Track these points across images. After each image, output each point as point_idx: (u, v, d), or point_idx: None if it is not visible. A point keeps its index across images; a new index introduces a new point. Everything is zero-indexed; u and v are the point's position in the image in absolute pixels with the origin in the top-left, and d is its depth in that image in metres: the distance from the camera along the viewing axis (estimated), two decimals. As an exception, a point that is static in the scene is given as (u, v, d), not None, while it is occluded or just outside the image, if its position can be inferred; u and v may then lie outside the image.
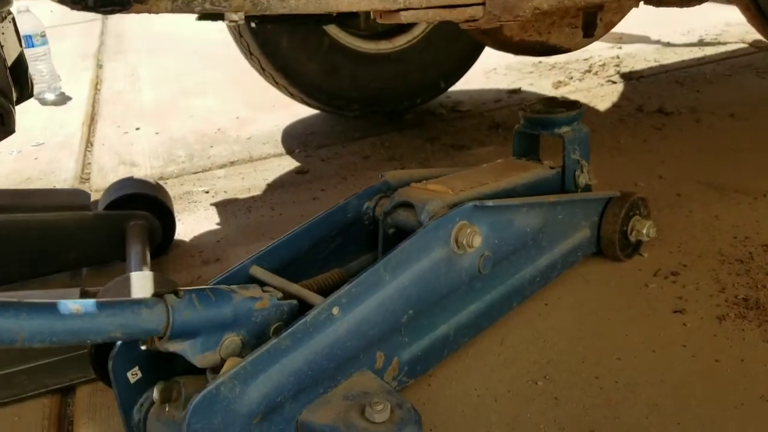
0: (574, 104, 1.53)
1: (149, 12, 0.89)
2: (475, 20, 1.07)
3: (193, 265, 1.71)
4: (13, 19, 1.36)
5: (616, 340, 1.28)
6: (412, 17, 1.04)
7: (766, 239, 1.57)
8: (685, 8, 1.29)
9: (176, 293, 0.92)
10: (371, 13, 2.32)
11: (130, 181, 1.80)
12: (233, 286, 1.00)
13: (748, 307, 1.33)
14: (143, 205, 1.71)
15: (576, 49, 1.51)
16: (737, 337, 1.26)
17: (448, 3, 1.04)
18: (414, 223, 1.19)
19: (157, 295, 0.91)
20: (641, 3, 1.47)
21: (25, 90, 1.36)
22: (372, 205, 1.33)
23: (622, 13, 1.36)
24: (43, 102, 3.59)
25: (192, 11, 0.91)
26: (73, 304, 0.84)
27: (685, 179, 1.93)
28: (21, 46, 1.35)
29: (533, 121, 1.54)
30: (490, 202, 1.22)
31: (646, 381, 1.17)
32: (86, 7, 0.79)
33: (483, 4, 1.05)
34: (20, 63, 1.34)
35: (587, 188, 1.56)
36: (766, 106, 2.50)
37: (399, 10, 1.02)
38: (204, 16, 2.25)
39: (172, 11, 0.91)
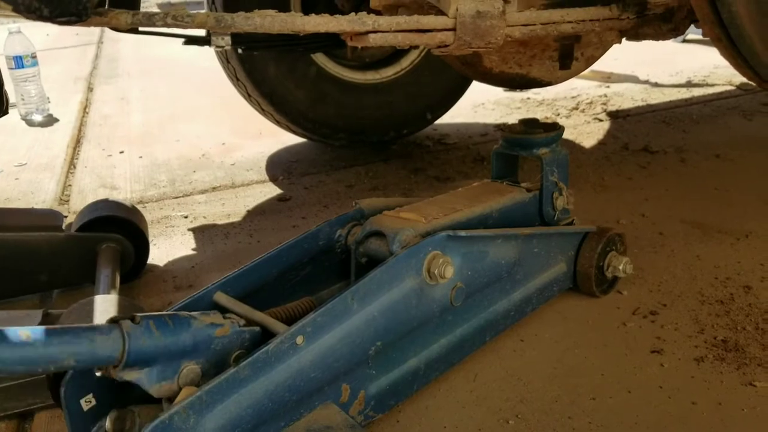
0: (553, 126, 1.51)
1: (108, 26, 0.87)
2: (446, 46, 1.06)
3: (165, 291, 1.67)
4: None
5: (591, 380, 1.25)
6: (380, 40, 1.02)
7: (747, 280, 1.55)
8: (667, 42, 1.29)
9: (133, 319, 0.88)
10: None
11: (104, 203, 1.77)
12: (194, 313, 0.97)
13: (726, 349, 1.30)
14: (117, 228, 1.68)
15: (557, 82, 1.50)
16: (715, 379, 1.23)
17: (419, 27, 1.02)
18: (386, 253, 1.16)
19: (113, 321, 0.88)
20: (625, 41, 1.47)
21: (0, 106, 1.34)
22: (344, 233, 1.30)
23: (603, 48, 1.36)
24: (30, 123, 3.57)
25: (153, 26, 0.89)
26: (23, 332, 0.80)
27: (668, 218, 1.91)
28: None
29: (512, 142, 1.52)
30: (463, 232, 1.20)
31: (621, 422, 1.14)
32: (41, 17, 0.77)
33: (453, 29, 1.03)
34: (-6, 79, 1.32)
35: (565, 212, 1.54)
36: (752, 147, 2.50)
37: (368, 32, 1.01)
38: (190, 41, 2.24)
39: (132, 25, 0.89)
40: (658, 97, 3.37)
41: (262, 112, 2.64)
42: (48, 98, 3.77)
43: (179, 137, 3.15)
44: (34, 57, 3.69)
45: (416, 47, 2.67)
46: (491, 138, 2.88)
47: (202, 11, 0.92)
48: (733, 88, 3.41)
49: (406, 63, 2.71)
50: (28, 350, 0.79)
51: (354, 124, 2.67)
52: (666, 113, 3.05)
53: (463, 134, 2.95)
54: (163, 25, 0.90)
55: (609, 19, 1.13)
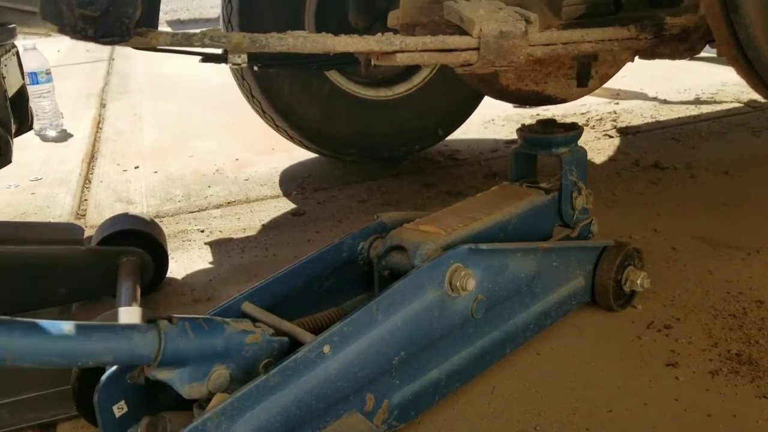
0: (572, 126, 1.53)
1: (148, 45, 0.91)
2: (469, 65, 1.09)
3: (184, 304, 1.70)
4: (17, 53, 1.37)
5: (607, 392, 1.27)
6: (407, 59, 1.05)
7: (759, 295, 1.57)
8: (678, 60, 1.31)
9: (170, 320, 0.91)
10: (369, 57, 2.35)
11: (124, 217, 1.80)
12: (227, 319, 0.99)
13: (740, 362, 1.32)
14: (136, 242, 1.71)
15: (571, 99, 1.53)
16: (730, 392, 1.25)
17: (444, 47, 1.05)
18: (408, 266, 1.19)
19: (151, 320, 0.91)
20: (636, 58, 1.50)
21: (24, 122, 1.37)
22: (367, 246, 1.33)
23: (617, 66, 1.39)
24: (45, 138, 3.61)
25: (191, 45, 0.92)
26: (65, 325, 0.84)
27: (680, 233, 1.93)
28: (23, 79, 1.36)
29: (531, 141, 1.55)
30: (485, 246, 1.22)
31: (638, 433, 1.16)
32: (86, 37, 0.81)
33: (477, 49, 1.06)
34: (21, 96, 1.35)
35: (585, 211, 1.56)
36: (761, 163, 2.52)
37: (395, 51, 1.04)
38: (207, 59, 2.28)
39: (172, 45, 0.92)
40: (667, 113, 3.40)
41: (276, 128, 2.67)
42: (62, 114, 3.82)
43: (193, 153, 3.19)
44: (48, 73, 3.74)
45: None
46: (502, 154, 2.90)
47: (237, 33, 0.95)
48: (741, 105, 3.44)
49: (418, 80, 2.75)
50: (70, 343, 0.83)
51: (366, 139, 2.70)
52: (675, 130, 3.08)
53: (474, 150, 2.98)
54: (200, 46, 0.93)
55: (627, 39, 1.16)
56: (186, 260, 1.97)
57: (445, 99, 2.78)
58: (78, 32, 0.80)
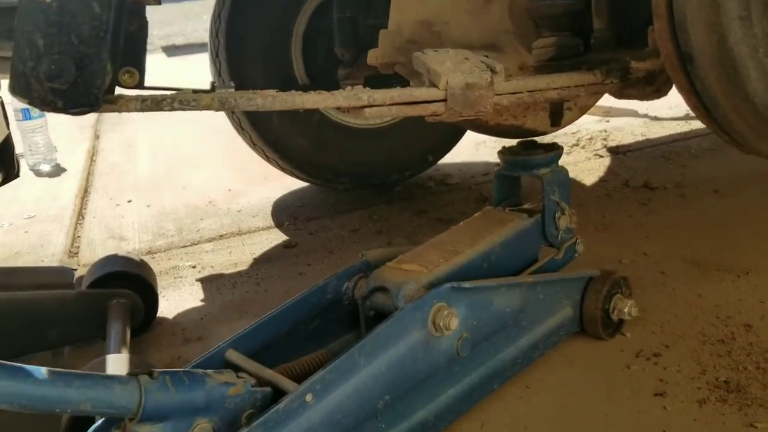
0: (552, 146, 1.55)
1: (118, 111, 0.92)
2: (438, 115, 1.10)
3: (175, 344, 1.70)
4: (2, 103, 1.39)
5: (596, 425, 1.27)
6: (376, 113, 1.07)
7: (747, 318, 1.57)
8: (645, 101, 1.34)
9: (150, 374, 0.91)
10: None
11: (114, 258, 1.81)
12: (208, 371, 1.00)
13: (728, 390, 1.32)
14: (126, 283, 1.71)
15: (552, 131, 1.55)
16: (717, 421, 1.25)
17: (411, 100, 1.07)
18: (391, 307, 1.19)
19: (132, 374, 0.91)
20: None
21: (10, 171, 1.38)
22: (351, 286, 1.33)
23: (596, 97, 1.41)
24: (38, 173, 3.62)
25: (161, 110, 0.93)
26: (46, 370, 0.85)
27: (670, 256, 1.94)
28: (7, 128, 1.38)
29: (512, 163, 1.56)
30: (467, 284, 1.23)
31: (627, 468, 1.16)
32: (56, 109, 0.82)
33: (445, 100, 1.08)
34: (6, 145, 1.36)
35: (569, 231, 1.56)
36: (750, 182, 2.53)
37: (364, 106, 1.05)
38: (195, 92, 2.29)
39: (141, 110, 0.93)
40: (657, 131, 3.41)
41: (267, 159, 2.69)
42: (55, 147, 3.83)
43: (186, 184, 3.20)
44: (41, 108, 3.76)
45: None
46: (493, 177, 2.91)
47: (207, 94, 0.97)
48: (730, 120, 3.45)
49: (406, 107, 2.76)
50: (50, 389, 0.84)
51: (357, 168, 2.72)
52: (665, 148, 3.09)
53: (465, 174, 2.99)
54: (170, 109, 0.94)
55: (594, 84, 1.18)
56: (177, 298, 1.97)
57: (434, 126, 2.78)
58: (47, 104, 0.81)
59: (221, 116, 2.92)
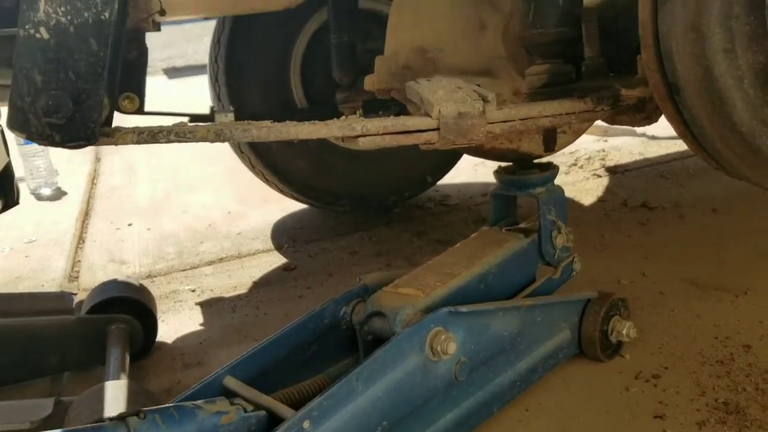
0: (547, 165, 1.55)
1: (115, 144, 0.93)
2: (431, 143, 1.11)
3: (174, 369, 1.70)
4: (2, 131, 1.40)
5: (596, 448, 1.27)
6: (369, 143, 1.08)
7: (746, 339, 1.57)
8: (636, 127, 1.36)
9: (138, 414, 0.91)
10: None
11: (113, 283, 1.81)
12: (199, 402, 1.00)
13: (728, 411, 1.32)
14: (126, 309, 1.72)
15: (548, 155, 1.56)
16: (717, 444, 1.24)
17: (404, 129, 1.08)
18: (389, 332, 1.20)
19: (120, 417, 0.91)
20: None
21: (10, 199, 1.39)
22: (349, 311, 1.34)
23: (590, 122, 1.42)
24: (39, 197, 3.64)
25: (157, 142, 0.94)
26: None
27: (668, 276, 1.94)
28: (8, 156, 1.39)
29: (508, 183, 1.57)
30: (464, 308, 1.23)
31: (627, 492, 1.15)
32: (53, 143, 0.83)
33: (437, 129, 1.09)
34: (6, 173, 1.37)
35: (565, 249, 1.56)
36: (747, 201, 2.53)
37: (357, 136, 1.06)
38: (194, 119, 2.32)
39: (138, 143, 0.94)
40: (655, 150, 3.42)
41: (266, 181, 2.70)
42: (56, 171, 3.85)
43: (186, 207, 3.21)
44: (42, 133, 3.78)
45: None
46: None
47: (202, 125, 0.98)
48: (727, 138, 3.46)
49: (405, 129, 2.78)
50: None
51: (356, 190, 2.73)
52: (663, 167, 3.10)
53: (465, 194, 3.00)
54: (166, 141, 0.95)
55: (585, 112, 1.19)
56: (177, 322, 1.97)
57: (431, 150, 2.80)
58: (45, 139, 0.82)
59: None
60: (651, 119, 1.22)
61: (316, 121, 1.09)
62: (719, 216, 2.41)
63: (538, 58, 1.27)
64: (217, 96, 2.58)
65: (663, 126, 3.80)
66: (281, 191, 2.72)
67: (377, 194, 2.76)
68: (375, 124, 1.07)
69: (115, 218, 3.16)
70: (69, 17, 0.82)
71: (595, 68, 1.24)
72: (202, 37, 10.49)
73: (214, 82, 2.57)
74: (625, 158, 3.34)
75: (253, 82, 2.54)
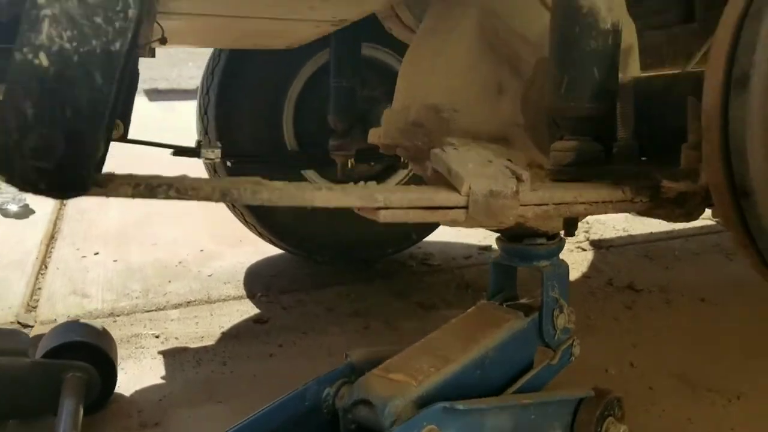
0: (554, 236, 1.46)
1: (106, 196, 0.83)
2: (457, 222, 1.03)
3: (130, 428, 1.57)
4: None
5: None
6: (390, 217, 0.98)
7: (742, 453, 1.49)
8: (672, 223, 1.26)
9: None
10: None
11: (75, 326, 1.69)
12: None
13: None
14: (85, 355, 1.59)
15: (555, 232, 1.47)
16: None
17: (430, 204, 0.99)
18: (375, 423, 1.09)
19: None
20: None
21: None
22: (333, 392, 1.23)
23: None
24: (5, 214, 3.48)
25: (155, 197, 0.84)
26: None
27: (657, 369, 1.86)
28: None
29: (510, 252, 1.47)
30: (460, 405, 1.13)
31: None
32: (37, 190, 0.72)
33: (465, 207, 1.00)
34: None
35: (566, 331, 1.47)
36: (735, 291, 2.49)
37: (379, 208, 0.97)
38: (179, 152, 2.22)
39: (133, 197, 0.84)
40: (639, 227, 3.39)
41: (245, 223, 2.60)
42: (25, 186, 3.69)
43: (156, 240, 3.09)
44: (15, 146, 3.64)
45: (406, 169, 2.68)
46: (475, 261, 2.85)
47: (206, 181, 0.88)
48: (713, 222, 3.44)
49: (393, 182, 2.71)
50: None
51: (339, 241, 2.64)
52: (648, 246, 3.06)
53: (447, 255, 2.92)
54: (165, 198, 0.85)
55: (622, 202, 1.11)
56: (137, 371, 1.84)
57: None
58: (28, 184, 0.72)
59: (199, 171, 2.83)
60: (691, 216, 1.13)
61: (333, 186, 0.99)
62: (707, 306, 2.35)
63: (566, 133, 1.19)
64: (204, 128, 2.49)
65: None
66: (260, 234, 2.62)
67: (361, 247, 2.67)
68: (398, 196, 0.97)
69: (81, 244, 3.02)
70: (74, 44, 0.72)
71: (627, 151, 1.16)
72: (186, 62, 10.42)
73: (203, 115, 2.48)
74: (609, 233, 3.30)
75: (244, 119, 2.45)
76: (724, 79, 0.95)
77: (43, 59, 0.71)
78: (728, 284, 2.56)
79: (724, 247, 3.04)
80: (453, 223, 1.03)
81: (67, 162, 0.74)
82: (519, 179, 1.03)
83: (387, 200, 0.97)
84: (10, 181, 0.71)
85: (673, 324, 2.20)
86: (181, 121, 3.60)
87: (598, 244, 3.09)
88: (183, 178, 0.88)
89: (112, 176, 0.83)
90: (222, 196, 0.87)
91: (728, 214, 0.99)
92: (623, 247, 3.08)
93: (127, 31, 0.75)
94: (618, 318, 2.25)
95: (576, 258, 2.90)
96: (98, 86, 0.75)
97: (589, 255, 2.96)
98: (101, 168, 0.84)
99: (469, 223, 1.02)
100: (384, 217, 0.98)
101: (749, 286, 2.53)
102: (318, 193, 0.96)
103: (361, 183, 1.02)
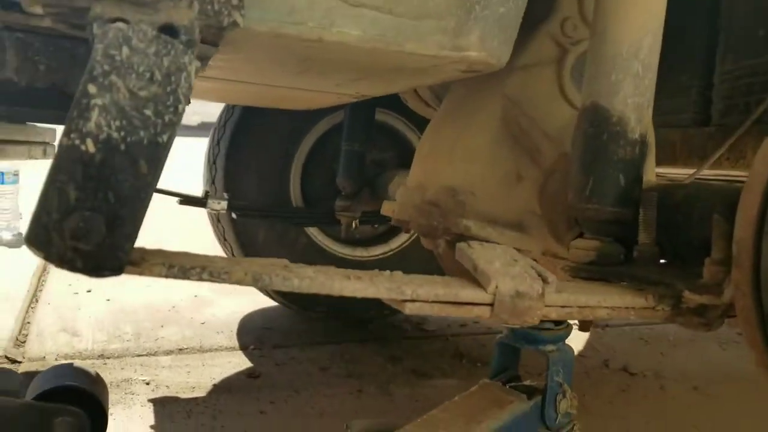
0: (561, 321, 1.45)
1: (141, 275, 0.82)
2: (481, 318, 1.03)
3: (116, 481, 1.53)
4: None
5: None
6: (417, 309, 0.98)
7: None
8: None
9: None
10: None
11: (68, 369, 1.65)
12: None
13: None
14: (77, 401, 1.55)
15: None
16: None
17: (456, 300, 0.99)
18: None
19: None
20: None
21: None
22: (332, 464, 1.21)
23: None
24: (-1, 241, 3.45)
25: (188, 279, 0.84)
26: None
27: (652, 459, 1.85)
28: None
29: (518, 334, 1.46)
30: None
31: None
32: (74, 268, 0.72)
33: (491, 305, 1.00)
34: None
35: (567, 416, 1.45)
36: (728, 381, 2.48)
37: (405, 300, 0.97)
38: (186, 201, 2.22)
39: (167, 277, 0.84)
40: (634, 308, 3.38)
41: (243, 273, 2.58)
42: (21, 215, 3.67)
43: (151, 281, 3.05)
44: (16, 174, 3.64)
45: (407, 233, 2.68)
46: (470, 330, 2.83)
47: (239, 266, 0.88)
48: (706, 309, 3.45)
49: (395, 245, 2.71)
50: None
51: (336, 298, 2.60)
52: (644, 329, 3.06)
53: (443, 321, 2.91)
54: (198, 279, 0.84)
55: (644, 309, 1.12)
56: (125, 419, 1.80)
57: (420, 267, 2.72)
58: (66, 263, 0.71)
59: (198, 215, 2.82)
60: (710, 326, 1.13)
61: (362, 275, 0.99)
62: (701, 396, 2.34)
63: (587, 232, 1.20)
64: (212, 177, 2.49)
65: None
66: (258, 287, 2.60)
67: (358, 306, 2.63)
68: (425, 290, 0.97)
69: (74, 280, 2.98)
70: (122, 133, 0.72)
71: (648, 256, 1.17)
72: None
73: (212, 164, 2.49)
74: (604, 311, 3.29)
75: (252, 172, 2.46)
76: (758, 215, 0.97)
77: (90, 145, 0.71)
78: (720, 374, 2.55)
79: (717, 335, 3.04)
80: (477, 318, 1.03)
81: (105, 244, 0.74)
82: (545, 281, 1.03)
83: (414, 294, 0.97)
84: (48, 258, 0.71)
85: (667, 410, 2.19)
86: (181, 156, 3.60)
87: (595, 323, 3.08)
88: (215, 260, 0.88)
89: (145, 255, 0.83)
90: (254, 281, 0.87)
91: (754, 336, 0.99)
92: (620, 327, 3.07)
93: (176, 125, 0.76)
94: (612, 401, 2.23)
95: (572, 335, 2.88)
96: (142, 174, 0.75)
97: (585, 333, 2.94)
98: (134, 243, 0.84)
99: (494, 320, 1.01)
100: (410, 309, 0.98)
101: (741, 377, 2.53)
102: (348, 283, 0.97)
103: (387, 272, 1.03)
